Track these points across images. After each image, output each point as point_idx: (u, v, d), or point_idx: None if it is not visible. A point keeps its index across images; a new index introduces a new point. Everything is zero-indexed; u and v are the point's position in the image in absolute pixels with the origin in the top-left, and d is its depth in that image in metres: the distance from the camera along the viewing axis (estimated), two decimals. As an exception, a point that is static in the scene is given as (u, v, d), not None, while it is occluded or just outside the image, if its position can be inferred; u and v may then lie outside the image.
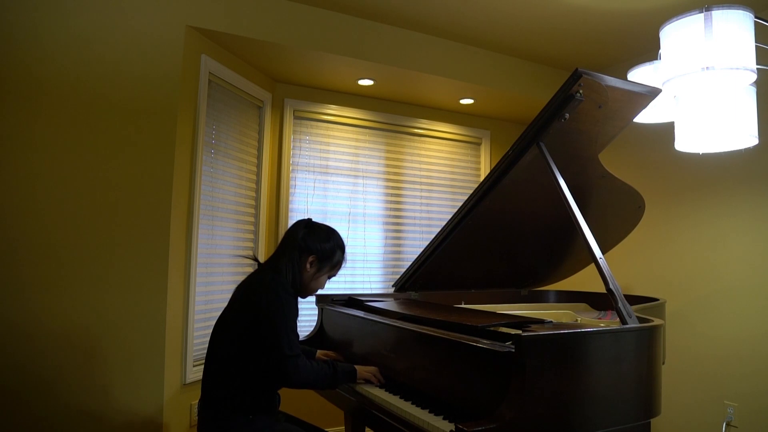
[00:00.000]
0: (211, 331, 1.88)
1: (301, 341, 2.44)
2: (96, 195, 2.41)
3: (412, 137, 3.94)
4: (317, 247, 1.90)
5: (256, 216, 3.31)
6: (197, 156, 2.72)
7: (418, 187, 3.95)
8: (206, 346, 1.94)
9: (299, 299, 1.90)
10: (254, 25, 2.82)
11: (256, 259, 2.01)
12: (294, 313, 1.79)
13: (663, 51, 1.73)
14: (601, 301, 2.74)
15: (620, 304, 1.61)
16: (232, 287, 1.94)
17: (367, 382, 1.91)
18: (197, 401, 1.90)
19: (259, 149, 3.36)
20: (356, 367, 1.91)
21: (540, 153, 1.90)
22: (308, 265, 1.89)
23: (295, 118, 3.55)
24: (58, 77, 2.38)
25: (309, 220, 1.97)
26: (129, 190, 2.47)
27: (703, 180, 3.17)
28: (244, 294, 1.83)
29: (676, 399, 3.13)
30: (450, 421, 1.49)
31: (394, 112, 3.84)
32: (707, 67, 1.57)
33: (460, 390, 1.57)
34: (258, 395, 1.78)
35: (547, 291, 3.06)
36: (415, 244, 3.87)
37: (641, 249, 3.45)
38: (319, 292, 2.58)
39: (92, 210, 2.41)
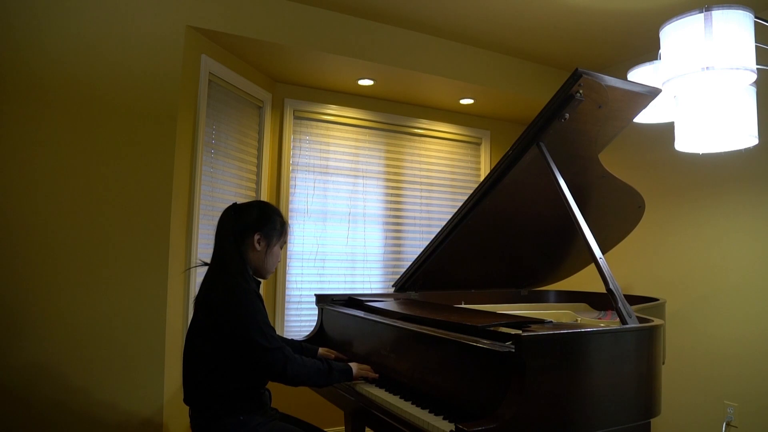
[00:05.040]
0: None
1: (301, 341, 2.44)
2: (96, 195, 2.42)
3: (412, 137, 3.94)
4: (255, 222, 1.81)
5: (256, 216, 3.31)
6: (197, 156, 2.72)
7: (418, 187, 3.95)
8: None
9: (262, 282, 1.83)
10: (254, 25, 2.82)
11: (204, 263, 1.92)
12: (259, 305, 1.74)
13: (663, 51, 1.73)
14: (601, 301, 2.73)
15: (620, 304, 1.61)
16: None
17: (363, 379, 1.91)
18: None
19: (259, 149, 3.36)
20: (352, 365, 1.91)
21: (540, 153, 1.90)
22: (257, 244, 1.81)
23: (295, 118, 3.55)
24: (58, 77, 2.37)
25: (233, 204, 1.87)
26: (129, 189, 2.47)
27: (703, 180, 3.17)
28: (204, 301, 1.77)
29: (676, 399, 3.13)
30: (450, 421, 1.49)
31: (394, 112, 3.84)
32: (707, 67, 1.57)
33: (460, 390, 1.57)
34: (244, 396, 1.75)
35: (547, 291, 3.06)
36: (415, 244, 3.87)
37: (641, 249, 3.45)
38: (319, 292, 2.60)
39: (92, 210, 2.41)
